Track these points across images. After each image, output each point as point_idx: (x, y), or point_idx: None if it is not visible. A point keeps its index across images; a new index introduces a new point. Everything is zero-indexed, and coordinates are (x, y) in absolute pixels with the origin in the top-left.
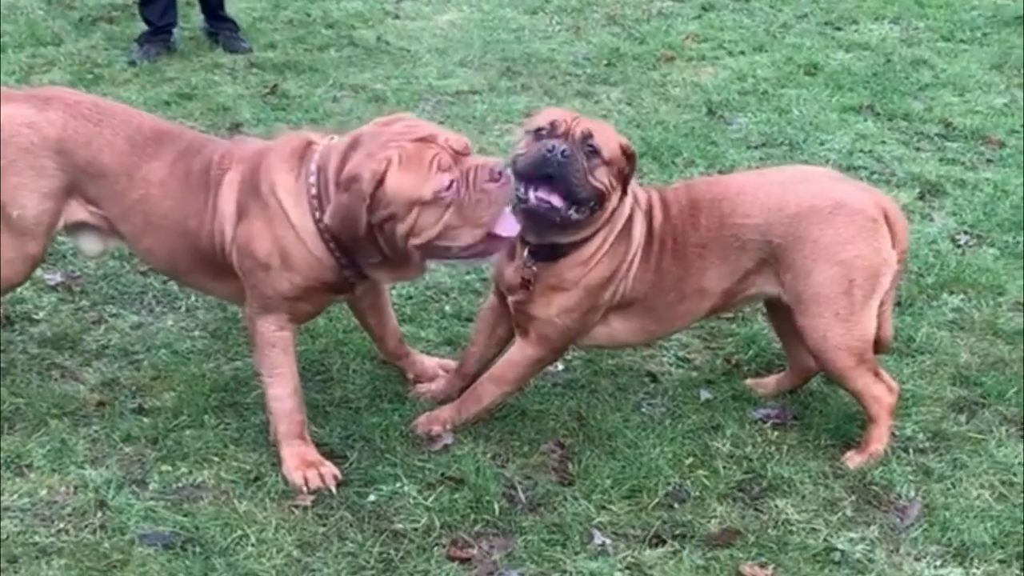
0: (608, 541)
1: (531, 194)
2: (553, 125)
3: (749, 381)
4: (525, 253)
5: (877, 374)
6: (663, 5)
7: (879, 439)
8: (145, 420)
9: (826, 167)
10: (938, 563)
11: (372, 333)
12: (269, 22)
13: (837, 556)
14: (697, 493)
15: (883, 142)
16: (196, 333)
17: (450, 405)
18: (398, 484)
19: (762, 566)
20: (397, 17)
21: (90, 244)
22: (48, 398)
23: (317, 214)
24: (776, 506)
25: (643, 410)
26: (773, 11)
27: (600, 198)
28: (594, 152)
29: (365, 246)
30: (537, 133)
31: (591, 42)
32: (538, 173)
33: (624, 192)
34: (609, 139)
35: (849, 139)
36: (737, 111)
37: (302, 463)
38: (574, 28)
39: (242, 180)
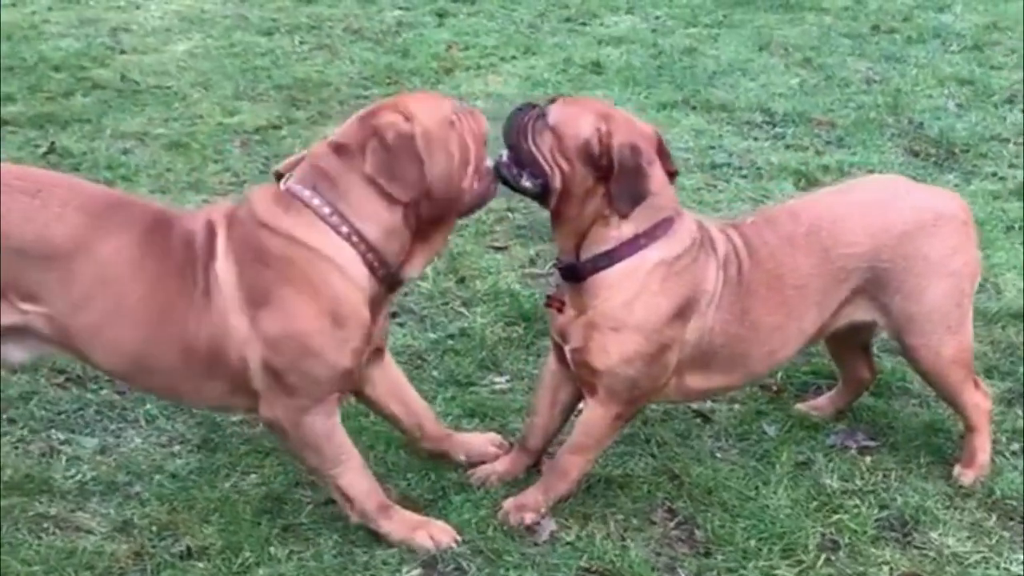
0: None
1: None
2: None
3: (801, 406)
4: (555, 271)
5: (976, 381)
6: (396, 14)
7: (983, 448)
8: (201, 565)
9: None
10: None
11: (402, 424)
12: None
13: None
14: (847, 540)
15: (720, 136)
16: (177, 448)
17: (534, 488)
18: None
19: None
20: (123, 52)
21: (14, 352)
22: (65, 560)
23: (344, 228)
24: (932, 540)
25: (719, 456)
26: (507, 12)
27: (535, 164)
28: (541, 117)
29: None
30: None
31: (352, 60)
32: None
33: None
34: (571, 114)
35: (689, 136)
36: None
37: (410, 528)
38: (324, 47)
39: (240, 258)
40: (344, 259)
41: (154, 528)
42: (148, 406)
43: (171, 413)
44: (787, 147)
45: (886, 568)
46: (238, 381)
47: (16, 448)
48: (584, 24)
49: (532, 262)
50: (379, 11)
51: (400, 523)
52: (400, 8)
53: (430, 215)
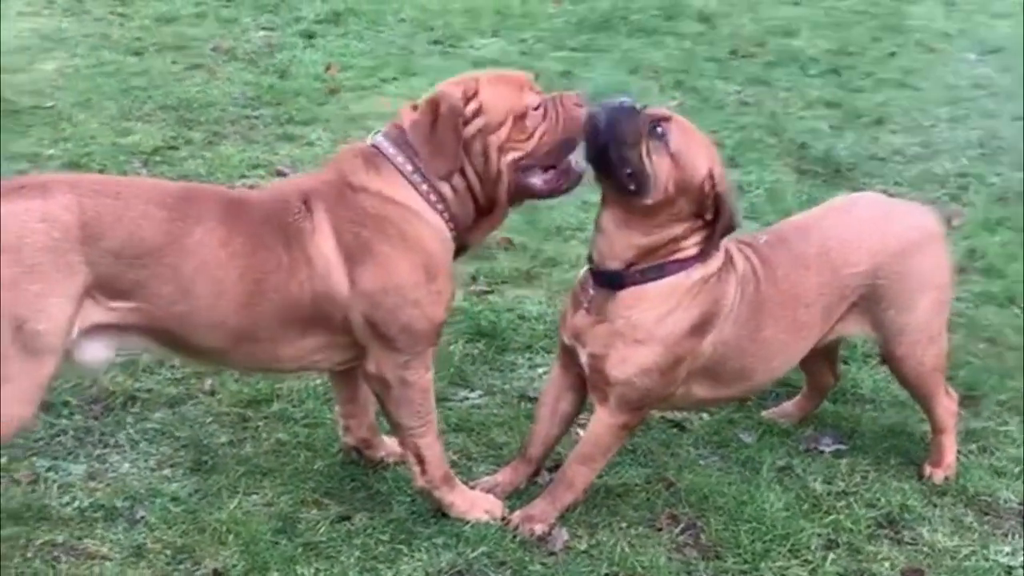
0: None
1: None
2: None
3: (767, 413)
4: (589, 277)
5: (945, 386)
6: (263, 35)
7: (951, 447)
8: None
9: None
10: None
11: (348, 408)
12: None
13: (1021, 573)
14: (845, 539)
15: None
16: (169, 471)
17: (540, 499)
18: None
19: None
20: None
21: (97, 352)
22: None
23: (424, 186)
24: (922, 536)
25: (703, 464)
26: (375, 33)
27: (641, 176)
28: (660, 136)
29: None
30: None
31: (232, 80)
32: (589, 132)
33: (699, 222)
34: (693, 149)
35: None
36: None
37: (470, 502)
38: (199, 67)
39: (336, 220)
40: (431, 216)
41: (169, 552)
42: (127, 430)
43: (152, 436)
44: None
45: (887, 564)
46: (336, 339)
47: (1, 477)
48: (453, 46)
49: (474, 279)
50: (243, 31)
51: (461, 496)
52: (264, 29)
53: (482, 192)
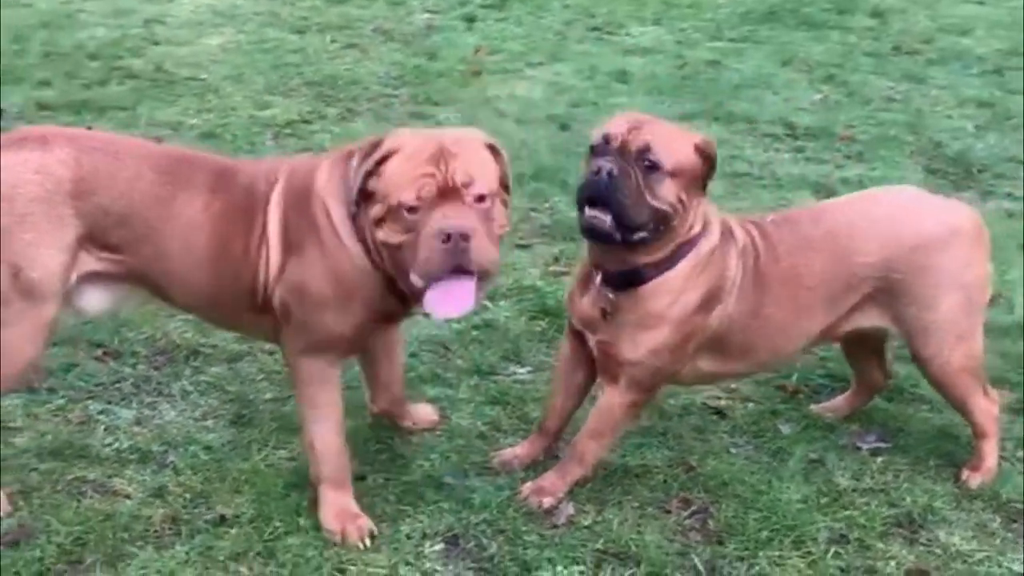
0: None
1: (586, 212)
2: (607, 140)
3: (815, 407)
4: (599, 280)
5: (985, 389)
6: (426, 17)
7: (992, 453)
8: (233, 532)
9: (904, 184)
10: None
11: (378, 379)
12: (21, 57)
13: None
14: (856, 535)
15: (742, 147)
16: (210, 422)
17: (551, 472)
18: (559, 568)
19: None
20: (157, 43)
21: (94, 300)
22: (103, 522)
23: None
24: (939, 538)
25: (734, 452)
26: (536, 18)
27: (666, 216)
28: (653, 167)
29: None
30: (592, 151)
31: (382, 60)
32: (590, 195)
33: (702, 193)
34: (674, 146)
35: None
36: (584, 123)
37: (342, 514)
38: (354, 46)
39: (286, 205)
40: (351, 242)
41: (188, 496)
42: (183, 382)
43: (204, 389)
44: (807, 160)
45: (892, 563)
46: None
47: (55, 416)
48: (611, 33)
49: (556, 259)
50: (408, 13)
51: (337, 506)
52: (429, 11)
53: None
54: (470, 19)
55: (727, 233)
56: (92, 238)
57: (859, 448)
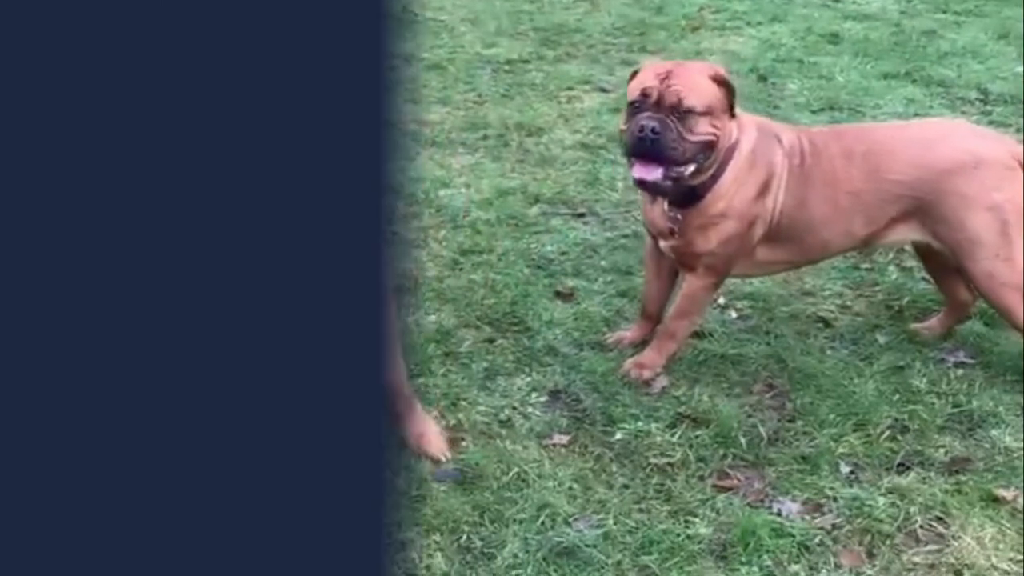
0: (856, 470)
1: (636, 168)
2: (644, 95)
3: (914, 326)
4: (665, 205)
5: None
6: None
7: None
8: None
9: (962, 120)
10: None
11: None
12: None
13: None
14: (916, 426)
15: (930, 106)
16: None
17: (649, 349)
18: (639, 424)
19: (1004, 490)
20: None
21: None
22: None
23: None
24: (992, 436)
25: (828, 353)
26: None
27: (705, 147)
28: (689, 112)
29: None
30: (631, 107)
31: (611, 13)
32: (638, 152)
33: (732, 115)
34: (700, 88)
35: (900, 103)
36: (783, 77)
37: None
38: (591, 0)
39: None
40: None
41: None
42: None
43: None
44: (992, 123)
45: (942, 451)
46: None
47: None
48: (838, 1)
49: None
50: None
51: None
52: None
53: None
54: None
55: (768, 135)
56: None
57: (944, 360)
